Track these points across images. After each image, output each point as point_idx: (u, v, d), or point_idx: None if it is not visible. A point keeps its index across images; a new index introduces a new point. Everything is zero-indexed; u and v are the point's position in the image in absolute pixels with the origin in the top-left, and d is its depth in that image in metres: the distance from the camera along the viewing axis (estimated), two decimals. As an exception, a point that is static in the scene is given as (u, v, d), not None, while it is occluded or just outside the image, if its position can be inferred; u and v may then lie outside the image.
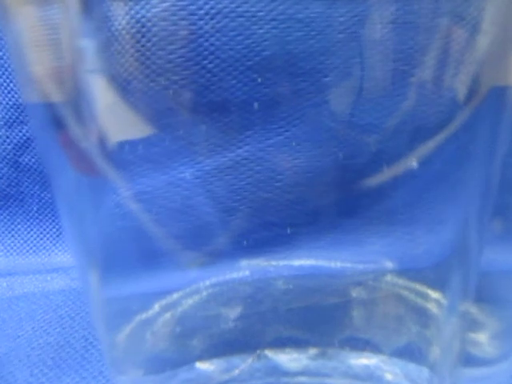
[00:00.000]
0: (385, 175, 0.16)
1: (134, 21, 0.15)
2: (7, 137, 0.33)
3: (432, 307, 0.18)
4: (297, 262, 0.19)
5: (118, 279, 0.17)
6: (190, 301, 0.18)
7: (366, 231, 0.17)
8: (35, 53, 0.15)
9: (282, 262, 0.19)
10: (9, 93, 0.32)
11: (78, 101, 0.15)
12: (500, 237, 0.16)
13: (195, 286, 0.19)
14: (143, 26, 0.14)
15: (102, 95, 0.15)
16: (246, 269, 0.19)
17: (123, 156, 0.16)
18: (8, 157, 0.33)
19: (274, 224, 0.17)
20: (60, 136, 0.15)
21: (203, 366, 0.17)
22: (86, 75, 0.14)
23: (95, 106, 0.15)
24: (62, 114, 0.15)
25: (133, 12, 0.14)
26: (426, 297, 0.18)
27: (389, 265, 0.18)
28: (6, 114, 0.32)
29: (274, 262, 0.19)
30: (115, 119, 0.15)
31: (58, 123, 0.15)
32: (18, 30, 0.15)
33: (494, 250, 0.17)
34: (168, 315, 0.18)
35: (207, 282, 0.19)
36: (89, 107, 0.15)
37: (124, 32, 0.15)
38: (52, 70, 0.15)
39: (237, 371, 0.17)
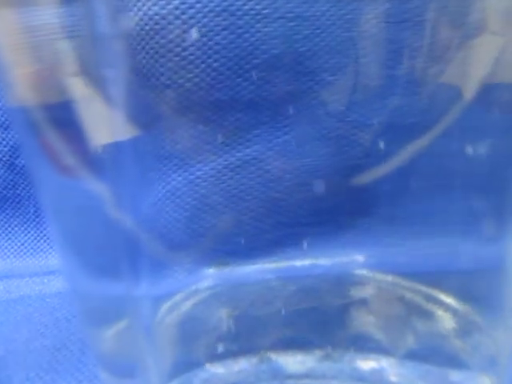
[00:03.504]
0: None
1: (136, 20, 0.14)
2: (3, 139, 0.32)
3: (440, 310, 0.18)
4: (304, 263, 0.19)
5: (112, 282, 0.17)
6: (192, 302, 0.18)
7: (381, 232, 0.17)
8: (15, 56, 0.15)
9: (288, 263, 0.19)
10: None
11: (61, 104, 0.15)
12: (493, 235, 0.16)
13: (198, 287, 0.19)
14: (147, 26, 0.14)
15: (84, 98, 0.14)
16: (251, 270, 0.19)
17: (107, 157, 0.15)
18: (4, 159, 0.33)
19: (283, 224, 0.17)
20: (44, 140, 0.15)
21: (212, 368, 0.17)
22: (67, 78, 0.14)
23: (78, 108, 0.14)
24: (45, 117, 0.15)
25: (136, 11, 0.14)
26: (434, 300, 0.18)
27: (398, 266, 0.18)
28: (2, 116, 0.32)
29: (280, 263, 0.19)
30: (99, 122, 0.15)
31: (40, 127, 0.15)
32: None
33: (486, 247, 0.17)
34: (173, 317, 0.18)
35: (209, 283, 0.19)
36: (71, 110, 0.14)
37: (127, 32, 0.15)
38: (33, 73, 0.15)
39: (242, 374, 0.17)
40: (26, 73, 0.15)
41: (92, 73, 0.14)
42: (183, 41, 0.15)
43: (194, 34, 0.15)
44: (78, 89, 0.14)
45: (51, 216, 0.17)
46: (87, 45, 0.14)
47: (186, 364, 0.17)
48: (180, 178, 0.17)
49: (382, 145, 0.16)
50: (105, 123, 0.15)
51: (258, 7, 0.14)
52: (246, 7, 0.14)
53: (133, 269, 0.16)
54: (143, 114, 0.15)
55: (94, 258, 0.17)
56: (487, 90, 0.15)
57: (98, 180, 0.15)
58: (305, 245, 0.18)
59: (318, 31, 0.15)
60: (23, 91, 0.15)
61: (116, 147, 0.15)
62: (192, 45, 0.15)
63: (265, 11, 0.14)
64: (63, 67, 0.14)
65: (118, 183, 0.15)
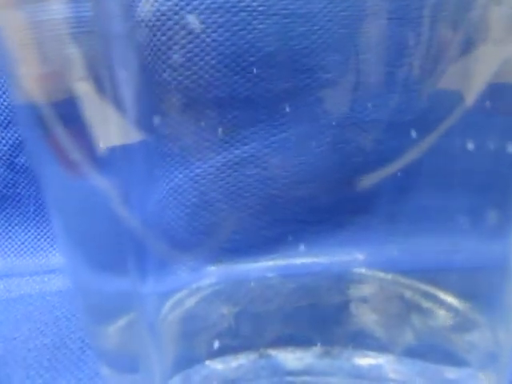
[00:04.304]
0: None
1: (135, 19, 0.14)
2: (3, 138, 0.32)
3: (439, 308, 0.18)
4: (303, 261, 0.19)
5: (118, 279, 0.17)
6: (194, 299, 0.18)
7: (380, 230, 0.17)
8: (23, 53, 0.15)
9: (288, 261, 0.19)
10: (4, 93, 0.32)
11: (69, 101, 0.15)
12: (493, 232, 0.16)
13: (201, 285, 0.19)
14: (150, 22, 0.14)
15: (93, 99, 0.14)
16: (250, 267, 0.19)
17: (113, 160, 0.15)
18: (4, 158, 0.33)
19: (282, 221, 0.17)
20: (51, 137, 0.15)
21: (212, 364, 0.17)
22: (74, 81, 0.14)
23: (86, 109, 0.14)
24: (50, 116, 0.15)
25: (141, 8, 0.14)
26: (434, 298, 0.18)
27: (397, 264, 0.18)
28: (1, 114, 0.32)
29: (280, 261, 0.19)
30: (108, 123, 0.15)
31: (46, 126, 0.15)
32: (4, 33, 0.14)
33: (486, 245, 0.17)
34: (175, 313, 0.18)
35: (210, 281, 0.19)
36: (79, 107, 0.14)
37: (124, 32, 0.14)
38: (40, 73, 0.15)
39: (241, 370, 0.17)
40: (34, 70, 0.15)
41: (101, 73, 0.14)
42: (182, 38, 0.15)
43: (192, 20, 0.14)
44: (87, 89, 0.14)
45: (56, 213, 0.17)
46: (98, 44, 0.14)
47: (187, 360, 0.17)
48: (181, 176, 0.17)
49: (379, 142, 0.16)
50: (114, 124, 0.15)
51: (254, 4, 0.14)
52: (242, 4, 0.14)
53: (139, 266, 0.16)
54: (152, 115, 0.15)
55: (100, 255, 0.17)
56: (489, 91, 0.15)
57: (104, 177, 0.15)
58: (304, 243, 0.18)
59: (315, 28, 0.15)
60: (32, 88, 0.15)
61: (126, 145, 0.15)
62: (190, 42, 0.15)
63: (260, 8, 0.14)
64: (72, 66, 0.14)
65: (127, 180, 0.15)
